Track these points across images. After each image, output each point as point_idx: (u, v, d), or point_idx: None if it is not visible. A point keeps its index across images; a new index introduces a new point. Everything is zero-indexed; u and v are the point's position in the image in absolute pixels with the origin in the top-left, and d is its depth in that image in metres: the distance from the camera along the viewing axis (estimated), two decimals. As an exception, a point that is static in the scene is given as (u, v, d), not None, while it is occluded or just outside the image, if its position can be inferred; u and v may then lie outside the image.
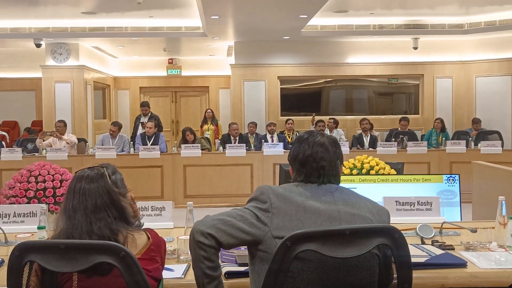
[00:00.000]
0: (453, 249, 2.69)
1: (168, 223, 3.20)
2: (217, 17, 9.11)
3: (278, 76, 12.17)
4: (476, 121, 10.72)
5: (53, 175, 4.22)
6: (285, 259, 1.73)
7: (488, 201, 5.36)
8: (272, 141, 9.60)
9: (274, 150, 8.74)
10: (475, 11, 10.21)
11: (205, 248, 1.90)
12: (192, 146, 8.77)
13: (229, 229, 1.91)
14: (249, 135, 10.03)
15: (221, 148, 9.03)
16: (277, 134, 9.98)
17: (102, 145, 8.83)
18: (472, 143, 9.23)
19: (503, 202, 2.77)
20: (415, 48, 11.48)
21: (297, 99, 12.54)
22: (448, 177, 4.17)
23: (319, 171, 2.01)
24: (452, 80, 12.07)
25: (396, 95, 12.90)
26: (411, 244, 2.06)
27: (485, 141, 9.19)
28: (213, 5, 8.22)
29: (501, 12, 10.14)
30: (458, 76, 12.01)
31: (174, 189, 8.56)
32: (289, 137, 10.10)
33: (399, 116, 10.99)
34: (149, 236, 2.00)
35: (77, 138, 9.13)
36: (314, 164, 2.02)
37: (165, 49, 12.98)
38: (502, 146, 8.99)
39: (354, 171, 5.00)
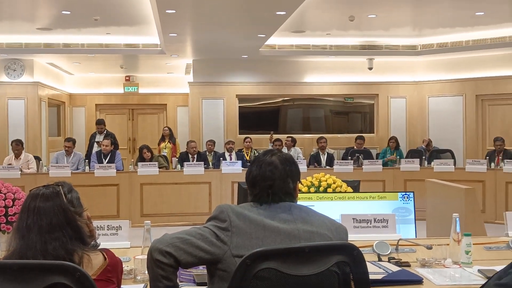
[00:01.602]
0: (409, 265, 2.74)
1: (124, 242, 3.15)
2: (176, 34, 9.11)
3: (236, 95, 12.21)
4: (428, 143, 10.97)
5: (5, 194, 4.10)
6: (244, 277, 1.72)
7: (442, 218, 5.48)
8: (231, 159, 9.60)
9: (233, 168, 8.74)
10: (427, 33, 10.51)
11: (164, 267, 1.88)
12: (149, 164, 8.69)
13: (188, 247, 1.89)
14: (207, 153, 10.00)
15: (179, 166, 8.97)
16: (236, 152, 9.99)
17: (57, 162, 8.65)
18: (426, 162, 9.45)
19: (457, 219, 2.84)
20: (370, 69, 11.73)
21: (256, 117, 12.60)
22: (403, 195, 4.25)
23: (267, 190, 2.02)
24: (406, 100, 12.35)
25: (352, 114, 13.11)
26: (368, 261, 2.08)
27: (438, 159, 9.42)
28: (171, 23, 8.22)
29: (452, 34, 10.47)
30: (411, 96, 12.30)
31: (131, 208, 8.44)
32: (247, 155, 10.12)
33: (355, 135, 11.17)
34: (106, 256, 1.96)
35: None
36: (262, 183, 2.03)
37: (122, 66, 12.86)
38: (455, 164, 9.23)
39: (312, 189, 5.04)
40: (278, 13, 7.62)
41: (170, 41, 9.63)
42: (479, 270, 2.61)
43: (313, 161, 9.75)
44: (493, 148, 9.56)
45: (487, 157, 9.04)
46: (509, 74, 11.10)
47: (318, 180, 5.16)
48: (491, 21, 9.30)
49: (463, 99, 11.69)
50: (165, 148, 10.88)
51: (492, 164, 8.90)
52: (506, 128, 11.18)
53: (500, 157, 9.10)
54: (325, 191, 5.01)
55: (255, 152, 10.12)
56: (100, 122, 10.18)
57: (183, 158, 9.35)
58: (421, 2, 8.16)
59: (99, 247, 2.02)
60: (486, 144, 11.37)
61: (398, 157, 9.86)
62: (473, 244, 2.81)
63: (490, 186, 8.63)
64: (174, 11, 7.43)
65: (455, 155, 10.29)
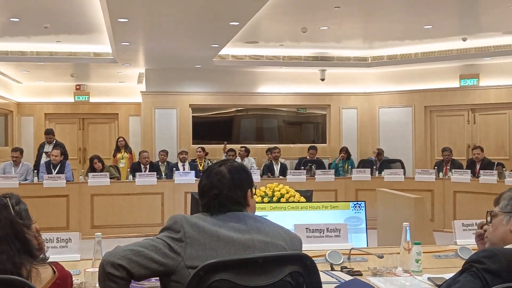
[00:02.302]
0: (361, 274, 2.77)
1: (74, 255, 3.07)
2: (128, 43, 9.01)
3: (190, 104, 12.16)
4: (379, 153, 11.20)
5: None
6: (198, 289, 1.71)
7: (392, 226, 5.60)
8: (184, 169, 9.53)
9: (186, 178, 8.68)
10: (378, 46, 10.75)
11: (116, 280, 1.84)
12: (100, 175, 8.54)
13: (141, 259, 1.86)
14: (160, 163, 9.91)
15: (130, 176, 8.85)
16: (189, 162, 9.93)
17: (4, 173, 8.39)
18: (376, 171, 9.63)
19: (407, 228, 2.89)
20: (322, 80, 11.90)
21: (209, 127, 12.57)
22: (354, 204, 4.33)
23: (214, 200, 2.02)
24: (357, 111, 12.56)
25: (305, 124, 13.25)
26: (321, 271, 2.10)
27: (388, 169, 9.61)
28: (123, 32, 8.13)
29: (402, 47, 10.75)
30: (362, 106, 12.53)
31: (81, 219, 8.26)
32: (200, 165, 10.07)
33: (308, 145, 11.30)
34: (55, 269, 1.91)
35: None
36: (210, 193, 2.03)
37: (72, 75, 12.62)
38: (404, 174, 9.44)
39: (266, 199, 5.06)
40: (231, 23, 7.65)
41: (122, 50, 9.52)
42: (429, 278, 2.67)
43: (267, 171, 9.79)
44: (441, 158, 9.83)
45: (436, 167, 9.27)
46: (456, 86, 11.46)
47: (271, 190, 5.19)
48: (439, 35, 9.59)
49: (412, 110, 11.99)
50: (122, 159, 10.71)
51: (441, 174, 9.14)
52: (453, 138, 11.52)
53: (448, 167, 9.35)
54: (278, 201, 5.04)
55: (209, 162, 10.09)
56: (49, 132, 9.94)
57: (135, 169, 9.23)
58: (372, 15, 8.35)
59: (48, 260, 1.97)
60: (435, 154, 11.68)
61: (349, 166, 10.01)
62: (423, 252, 2.87)
63: (439, 195, 8.86)
64: (127, 20, 7.35)
65: (404, 165, 10.53)
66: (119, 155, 10.85)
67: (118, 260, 1.85)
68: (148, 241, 1.92)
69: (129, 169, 9.36)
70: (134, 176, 8.73)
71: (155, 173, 8.83)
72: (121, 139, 11.18)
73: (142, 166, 9.37)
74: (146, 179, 8.59)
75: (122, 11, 6.96)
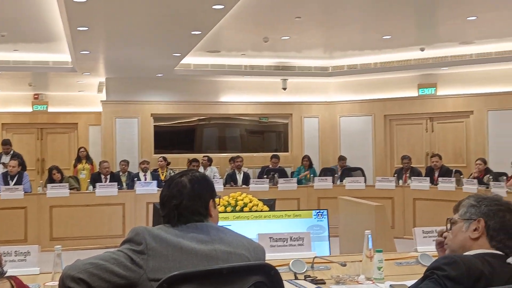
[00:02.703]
0: (324, 283, 2.79)
1: (33, 268, 2.99)
2: (88, 52, 8.89)
3: (151, 113, 12.06)
4: (342, 158, 11.38)
5: None
6: (161, 302, 1.68)
7: (354, 234, 5.65)
8: (145, 179, 9.43)
9: (147, 188, 8.59)
10: (338, 56, 10.90)
11: (76, 294, 1.80)
12: (60, 186, 8.38)
13: (102, 273, 1.82)
14: (120, 173, 9.78)
15: (90, 187, 8.70)
16: (151, 172, 9.83)
17: (-42, 185, 8.15)
18: (338, 180, 9.72)
19: (369, 236, 2.93)
20: (284, 89, 11.98)
21: (171, 136, 12.49)
22: (317, 213, 4.35)
23: (174, 211, 2.01)
24: (318, 120, 12.68)
25: (267, 133, 13.29)
26: (285, 280, 2.10)
27: (349, 177, 9.72)
28: (83, 40, 8.01)
29: (361, 56, 10.91)
30: (323, 115, 12.65)
31: (40, 231, 8.07)
32: (162, 175, 9.98)
33: (270, 154, 11.34)
34: (13, 284, 1.86)
35: None
36: (170, 204, 2.02)
37: (30, 84, 12.36)
38: (365, 182, 9.55)
39: (229, 208, 5.04)
40: (193, 32, 7.63)
41: (82, 58, 9.38)
42: (391, 286, 2.70)
43: (229, 180, 9.77)
44: (401, 166, 10.00)
45: (395, 175, 9.43)
46: (414, 95, 11.69)
47: (234, 199, 5.18)
48: (397, 45, 9.78)
49: (372, 119, 12.17)
50: (83, 170, 10.52)
51: (400, 181, 9.30)
52: (412, 146, 11.73)
53: (407, 175, 9.52)
54: (241, 210, 5.03)
55: (171, 172, 10.01)
56: (6, 143, 9.71)
57: (95, 179, 9.08)
58: (332, 26, 8.46)
59: (6, 275, 1.92)
60: (394, 162, 11.87)
61: (311, 175, 10.09)
62: (385, 260, 2.90)
63: (399, 203, 9.00)
64: (87, 28, 7.25)
65: (365, 172, 10.67)
66: (80, 166, 10.65)
67: (79, 274, 1.81)
68: (109, 254, 1.89)
69: (89, 180, 9.21)
70: (94, 186, 8.59)
71: (115, 183, 8.71)
72: (82, 149, 11.00)
73: (103, 176, 9.24)
74: (107, 189, 8.47)
75: (82, 20, 6.86)
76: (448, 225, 2.14)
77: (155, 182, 8.78)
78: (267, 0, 6.82)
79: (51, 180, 8.79)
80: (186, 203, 2.01)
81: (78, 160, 10.82)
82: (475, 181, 8.33)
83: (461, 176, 8.98)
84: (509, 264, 1.98)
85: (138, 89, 11.92)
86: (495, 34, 8.90)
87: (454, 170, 9.24)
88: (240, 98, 12.37)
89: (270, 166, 10.75)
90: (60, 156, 13.30)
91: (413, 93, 11.71)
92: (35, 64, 10.11)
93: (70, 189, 8.47)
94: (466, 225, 2.05)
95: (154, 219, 5.81)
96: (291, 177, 10.31)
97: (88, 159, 10.79)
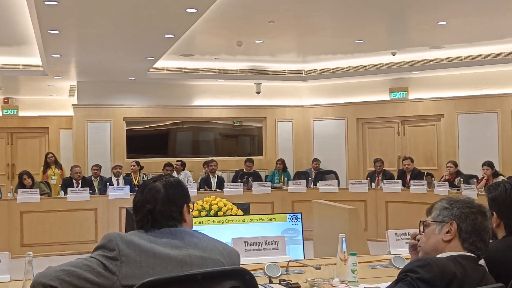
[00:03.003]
0: (299, 286, 2.79)
1: (4, 276, 2.94)
2: (59, 55, 8.77)
3: (124, 117, 11.94)
4: (315, 160, 11.44)
5: None
6: (135, 308, 1.67)
7: (328, 237, 5.67)
8: (118, 184, 9.34)
9: (120, 193, 8.50)
10: (311, 60, 10.96)
11: (48, 302, 1.77)
12: (30, 191, 8.24)
13: (74, 280, 1.80)
14: (92, 178, 9.66)
15: (62, 192, 8.58)
16: (123, 177, 9.74)
17: None
18: (312, 183, 9.76)
19: (343, 239, 2.94)
20: (258, 93, 11.99)
21: (144, 140, 12.37)
22: (291, 216, 4.36)
23: (147, 216, 1.99)
24: (292, 123, 12.72)
25: (241, 137, 13.29)
26: (260, 284, 2.10)
27: (323, 180, 9.77)
28: (54, 44, 7.90)
29: (334, 61, 11.00)
30: (297, 119, 12.70)
31: (10, 238, 7.92)
32: (135, 179, 9.90)
33: (244, 158, 11.35)
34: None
35: None
36: (143, 209, 2.00)
37: (0, 88, 12.15)
38: (339, 185, 9.62)
39: (203, 213, 5.02)
40: (166, 36, 7.59)
41: (53, 62, 9.26)
42: (364, 288, 2.72)
43: (203, 184, 9.74)
44: (373, 169, 10.10)
45: (368, 178, 9.51)
46: (386, 99, 11.81)
47: (208, 203, 5.16)
48: (370, 49, 9.87)
49: (345, 123, 12.26)
50: (53, 175, 10.36)
51: (373, 184, 9.39)
52: (384, 150, 11.85)
53: (380, 178, 9.61)
54: (216, 214, 5.02)
55: (144, 176, 9.93)
56: (-26, 147, 9.52)
57: (67, 184, 8.96)
58: (305, 30, 8.50)
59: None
60: (367, 165, 11.97)
61: (286, 179, 10.11)
62: (358, 262, 2.92)
63: (371, 205, 9.08)
64: (58, 32, 7.16)
65: (338, 176, 10.74)
66: (49, 172, 10.47)
67: (50, 281, 1.79)
68: (81, 261, 1.87)
69: (60, 185, 9.08)
70: (65, 191, 8.47)
71: (87, 188, 8.61)
72: (50, 155, 10.82)
73: (74, 181, 9.12)
74: (79, 194, 8.36)
75: (53, 23, 6.77)
76: (421, 228, 2.17)
77: (128, 187, 8.70)
78: (240, 4, 6.83)
79: (21, 185, 8.64)
80: (160, 208, 2.00)
81: (47, 166, 10.63)
82: (446, 183, 8.45)
83: (433, 179, 9.10)
84: (480, 266, 2.02)
85: (110, 93, 11.80)
86: (465, 39, 9.06)
87: (425, 173, 9.36)
88: (214, 102, 12.35)
89: (244, 170, 10.74)
90: (30, 161, 13.07)
91: (385, 97, 11.84)
92: (5, 67, 9.94)
93: (41, 194, 8.34)
94: (439, 227, 2.08)
95: (127, 224, 5.75)
96: (265, 181, 10.32)
97: (57, 164, 10.63)
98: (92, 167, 10.04)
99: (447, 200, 2.13)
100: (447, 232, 2.05)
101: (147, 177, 9.54)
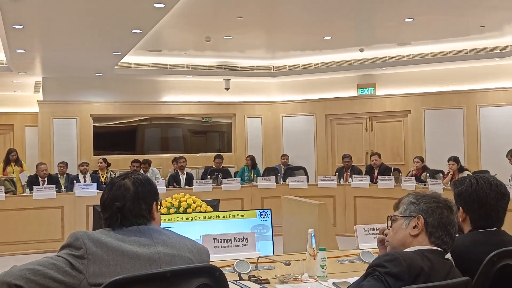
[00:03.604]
0: (269, 282, 2.79)
1: (-34, 277, 2.86)
2: (24, 51, 8.59)
3: (90, 114, 11.77)
4: (284, 155, 11.49)
5: None
6: (103, 307, 1.64)
7: (297, 233, 5.70)
8: (85, 181, 9.20)
9: (87, 191, 8.39)
10: (280, 56, 10.98)
11: (13, 302, 1.74)
12: (-6, 189, 8.06)
13: (40, 279, 1.77)
14: (59, 175, 9.50)
15: (27, 190, 8.42)
16: (90, 174, 9.60)
17: None
18: (281, 179, 9.79)
19: (312, 234, 2.95)
20: (227, 89, 11.96)
21: (111, 137, 12.21)
22: (261, 212, 4.36)
23: (117, 213, 1.98)
24: (261, 120, 12.73)
25: (210, 133, 13.23)
26: (230, 281, 2.09)
27: (292, 176, 9.81)
28: (19, 39, 7.74)
29: (303, 57, 11.04)
30: (266, 115, 12.71)
31: (-27, 237, 7.74)
32: (103, 177, 9.77)
33: (213, 154, 11.30)
34: None
35: None
36: (112, 207, 1.99)
37: (-38, 84, 11.87)
38: (308, 181, 9.67)
39: (172, 210, 4.99)
40: (133, 31, 7.50)
41: (17, 57, 9.06)
42: (334, 283, 2.73)
43: (172, 181, 9.67)
44: (342, 164, 10.18)
45: (337, 173, 9.58)
46: (354, 95, 11.91)
47: (177, 200, 5.13)
48: (338, 45, 9.95)
49: (314, 119, 12.32)
50: (13, 173, 10.13)
51: (341, 180, 9.46)
52: (352, 145, 11.95)
53: (348, 173, 9.70)
54: (185, 211, 4.99)
55: (112, 173, 9.81)
56: None
57: (33, 182, 8.79)
58: (273, 26, 8.51)
59: None
60: (335, 161, 12.06)
61: (255, 175, 10.12)
62: (327, 258, 2.94)
63: (340, 201, 9.16)
64: (22, 27, 7.01)
65: (308, 172, 10.79)
66: (9, 169, 10.21)
67: (15, 280, 1.75)
68: (47, 259, 1.84)
69: (25, 183, 8.91)
70: (31, 189, 8.31)
71: (54, 186, 8.46)
72: (14, 153, 10.57)
73: (40, 179, 8.95)
74: (44, 192, 8.22)
75: (17, 17, 6.62)
76: (389, 222, 2.19)
77: (95, 184, 8.59)
78: None
79: (-16, 183, 8.45)
80: (130, 206, 1.99)
81: (7, 163, 10.37)
82: (413, 178, 8.58)
83: (400, 174, 9.23)
84: (447, 260, 2.04)
85: (76, 88, 11.61)
86: (431, 35, 9.19)
87: (392, 168, 9.48)
88: (183, 98, 12.26)
89: (214, 166, 10.71)
90: (-6, 158, 12.80)
91: (353, 93, 11.94)
92: (-33, 63, 9.71)
93: (6, 192, 8.17)
94: (406, 222, 2.10)
95: (95, 222, 5.68)
96: (235, 177, 10.30)
97: (17, 162, 10.39)
98: (58, 164, 9.86)
99: (414, 195, 2.16)
100: (414, 227, 2.07)
101: (115, 174, 9.43)
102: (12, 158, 10.33)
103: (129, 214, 1.98)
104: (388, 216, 2.21)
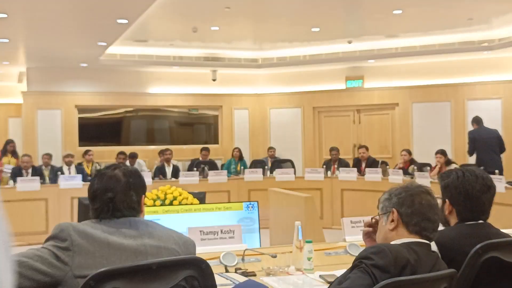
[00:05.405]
0: (255, 275, 2.78)
1: None
2: (7, 40, 8.47)
3: (75, 105, 11.65)
4: (270, 148, 11.48)
5: None
6: (87, 300, 1.62)
7: (284, 225, 5.70)
8: (70, 173, 9.12)
9: (72, 183, 8.32)
10: (268, 47, 10.94)
11: (-6, 295, 1.70)
12: (-22, 181, 7.96)
13: (25, 271, 1.75)
14: (43, 167, 9.40)
15: (11, 182, 8.33)
16: (75, 166, 9.51)
17: None
18: (268, 171, 9.78)
19: (299, 227, 2.94)
20: (214, 80, 11.89)
21: (97, 128, 12.11)
22: (247, 205, 4.34)
23: (108, 204, 1.95)
24: (248, 112, 12.68)
25: (197, 125, 13.17)
26: (216, 273, 2.07)
27: (279, 169, 9.80)
28: (2, 28, 7.62)
29: (291, 49, 11.00)
30: (253, 107, 12.67)
31: (-45, 229, 7.64)
32: (88, 168, 9.69)
33: (200, 146, 11.24)
34: None
35: None
36: (103, 197, 1.96)
37: None
38: (295, 173, 9.66)
39: (158, 202, 4.95)
40: (119, 21, 7.41)
41: (0, 47, 8.94)
42: (320, 276, 2.72)
43: (158, 173, 9.61)
44: (329, 157, 10.18)
45: (324, 166, 9.59)
46: (342, 88, 11.91)
47: (164, 192, 5.09)
48: (326, 37, 9.92)
49: (301, 111, 12.31)
50: (8, 163, 10.01)
51: (329, 173, 9.46)
52: (340, 138, 11.96)
53: (335, 166, 9.70)
54: (171, 203, 4.95)
55: (97, 165, 9.73)
56: None
57: (16, 173, 8.69)
58: (261, 17, 8.47)
59: None
60: (323, 153, 12.07)
61: (242, 167, 10.10)
62: (314, 250, 2.93)
63: (327, 193, 9.16)
64: (5, 16, 6.90)
65: (295, 164, 10.79)
66: (5, 159, 10.10)
67: (-3, 272, 1.71)
68: (32, 251, 1.82)
69: (9, 175, 8.81)
70: (15, 181, 8.23)
71: (38, 177, 8.38)
72: (12, 143, 10.44)
73: (24, 170, 8.85)
74: (29, 184, 8.14)
75: (0, 6, 6.52)
76: (373, 221, 2.24)
77: (79, 176, 8.52)
78: (196, -10, 6.74)
79: (-32, 174, 8.34)
80: (121, 197, 1.98)
81: (4, 153, 10.26)
82: (401, 171, 8.60)
83: (387, 167, 9.24)
84: (433, 252, 2.05)
85: (61, 79, 11.48)
86: (419, 28, 9.21)
87: (380, 161, 9.50)
88: (169, 89, 12.18)
89: (200, 158, 10.66)
90: (-22, 149, 12.63)
91: (341, 85, 11.93)
92: (-51, 52, 9.55)
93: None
94: (385, 218, 2.15)
95: (80, 214, 5.62)
96: (222, 169, 10.27)
97: (14, 154, 10.28)
98: (42, 156, 9.75)
99: (388, 192, 2.20)
100: (392, 221, 2.09)
101: (100, 166, 9.36)
102: (10, 149, 10.21)
103: (121, 205, 1.97)
104: (371, 218, 2.26)
